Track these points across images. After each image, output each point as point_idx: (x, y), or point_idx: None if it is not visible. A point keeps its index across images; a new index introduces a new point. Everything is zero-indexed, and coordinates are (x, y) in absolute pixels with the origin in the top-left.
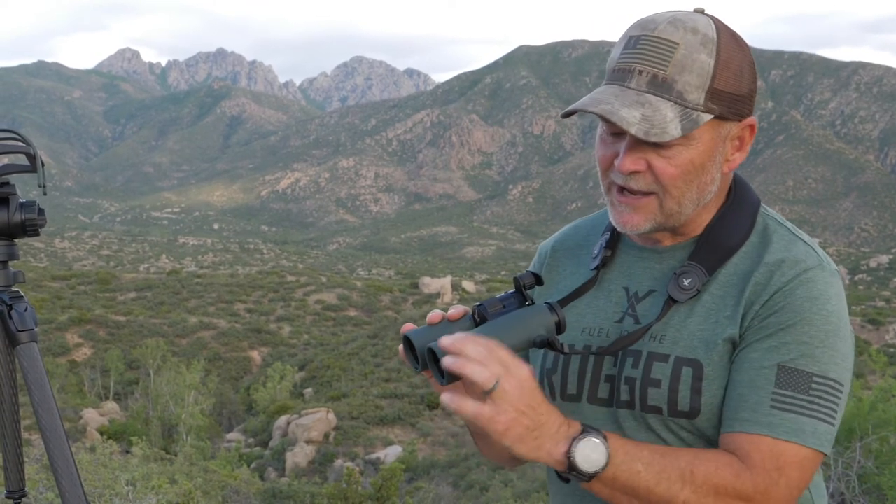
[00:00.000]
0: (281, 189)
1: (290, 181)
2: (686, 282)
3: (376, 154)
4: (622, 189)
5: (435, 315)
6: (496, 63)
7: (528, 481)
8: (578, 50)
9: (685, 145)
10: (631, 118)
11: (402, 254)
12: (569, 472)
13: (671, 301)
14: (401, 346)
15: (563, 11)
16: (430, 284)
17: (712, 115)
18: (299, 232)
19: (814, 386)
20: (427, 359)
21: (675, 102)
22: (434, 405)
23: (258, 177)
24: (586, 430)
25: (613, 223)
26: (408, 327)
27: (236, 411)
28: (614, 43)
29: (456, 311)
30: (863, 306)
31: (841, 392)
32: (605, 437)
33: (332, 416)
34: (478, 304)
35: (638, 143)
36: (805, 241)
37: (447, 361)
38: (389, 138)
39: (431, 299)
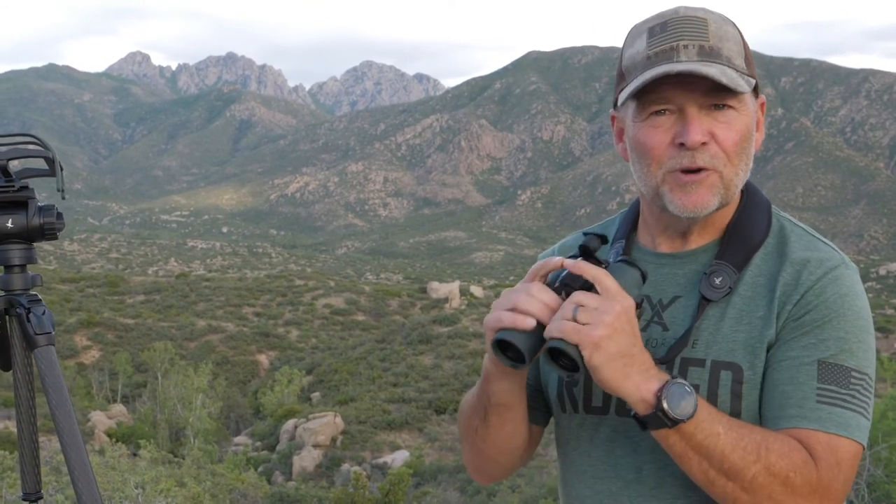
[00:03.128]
0: (290, 193)
1: (298, 185)
2: (717, 280)
3: (385, 158)
4: (684, 171)
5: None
6: (506, 68)
7: (536, 487)
8: (588, 56)
9: (738, 110)
10: (712, 71)
11: (410, 258)
12: (654, 412)
13: (705, 301)
14: (490, 348)
15: (572, 17)
16: (438, 289)
17: (755, 81)
18: (308, 236)
19: (852, 380)
20: (548, 357)
21: (728, 66)
22: (441, 410)
23: (267, 181)
24: (676, 377)
25: (677, 209)
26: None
27: (244, 415)
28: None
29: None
30: (872, 314)
31: (872, 386)
32: (693, 390)
33: (339, 420)
34: (559, 282)
35: (698, 115)
36: (824, 241)
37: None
38: (399, 143)
39: (439, 304)
